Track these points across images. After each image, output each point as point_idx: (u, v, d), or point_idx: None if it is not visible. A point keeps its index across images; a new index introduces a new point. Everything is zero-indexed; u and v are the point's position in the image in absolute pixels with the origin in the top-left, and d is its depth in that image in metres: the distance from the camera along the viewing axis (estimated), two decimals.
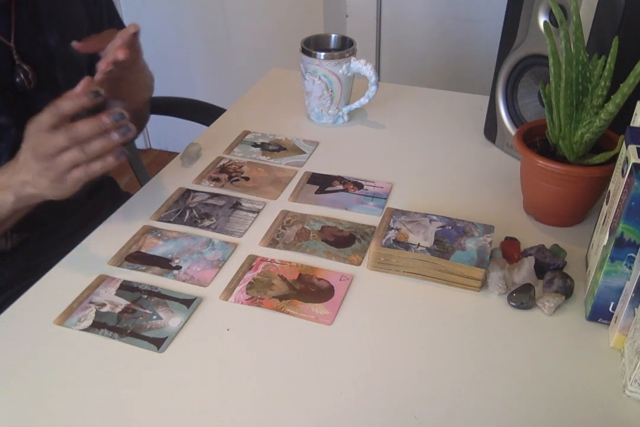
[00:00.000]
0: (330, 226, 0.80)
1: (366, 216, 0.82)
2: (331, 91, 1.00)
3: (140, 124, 1.03)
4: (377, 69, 1.99)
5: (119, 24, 0.94)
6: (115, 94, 0.75)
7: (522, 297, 0.68)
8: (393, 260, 0.71)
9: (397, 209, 0.77)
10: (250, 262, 0.74)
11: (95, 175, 0.67)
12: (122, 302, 0.68)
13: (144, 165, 1.28)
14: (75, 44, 0.71)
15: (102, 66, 0.70)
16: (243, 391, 0.59)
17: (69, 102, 0.64)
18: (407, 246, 0.71)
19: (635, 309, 0.59)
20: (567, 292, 0.68)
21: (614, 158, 0.69)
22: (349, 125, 1.05)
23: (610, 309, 0.64)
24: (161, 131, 2.37)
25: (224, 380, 0.60)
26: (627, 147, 0.62)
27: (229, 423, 0.56)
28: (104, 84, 0.70)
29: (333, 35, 1.05)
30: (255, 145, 0.98)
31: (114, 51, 0.68)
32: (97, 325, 0.65)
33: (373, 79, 0.99)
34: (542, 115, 0.83)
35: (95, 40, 0.72)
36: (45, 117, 0.64)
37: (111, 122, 0.65)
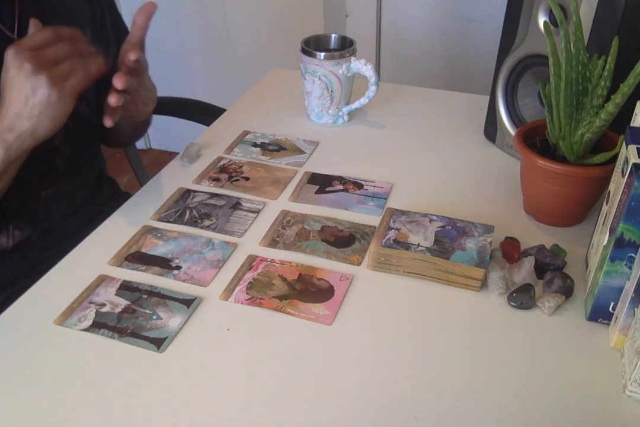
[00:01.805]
0: (330, 225, 0.80)
1: (366, 216, 0.82)
2: (331, 91, 1.00)
3: (143, 131, 1.03)
4: (377, 69, 1.99)
5: (118, 21, 0.94)
6: (123, 111, 0.76)
7: (522, 297, 0.68)
8: (393, 260, 0.71)
9: (397, 209, 0.77)
10: (250, 262, 0.74)
11: (90, 78, 0.67)
12: (122, 302, 0.68)
13: (144, 165, 1.28)
14: (107, 122, 0.74)
15: (107, 121, 0.74)
16: (243, 390, 0.59)
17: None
18: (407, 246, 0.71)
19: (635, 309, 0.59)
20: (567, 292, 0.68)
21: (614, 158, 0.69)
22: (349, 125, 1.05)
23: (610, 309, 0.64)
24: (161, 131, 2.37)
25: (224, 380, 0.60)
26: (627, 147, 0.62)
27: (228, 423, 0.56)
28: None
29: (333, 35, 1.05)
30: (255, 145, 0.98)
31: (115, 81, 0.70)
32: (97, 325, 0.65)
33: (373, 79, 0.99)
34: (542, 115, 0.83)
35: (111, 110, 0.75)
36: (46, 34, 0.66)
37: None
